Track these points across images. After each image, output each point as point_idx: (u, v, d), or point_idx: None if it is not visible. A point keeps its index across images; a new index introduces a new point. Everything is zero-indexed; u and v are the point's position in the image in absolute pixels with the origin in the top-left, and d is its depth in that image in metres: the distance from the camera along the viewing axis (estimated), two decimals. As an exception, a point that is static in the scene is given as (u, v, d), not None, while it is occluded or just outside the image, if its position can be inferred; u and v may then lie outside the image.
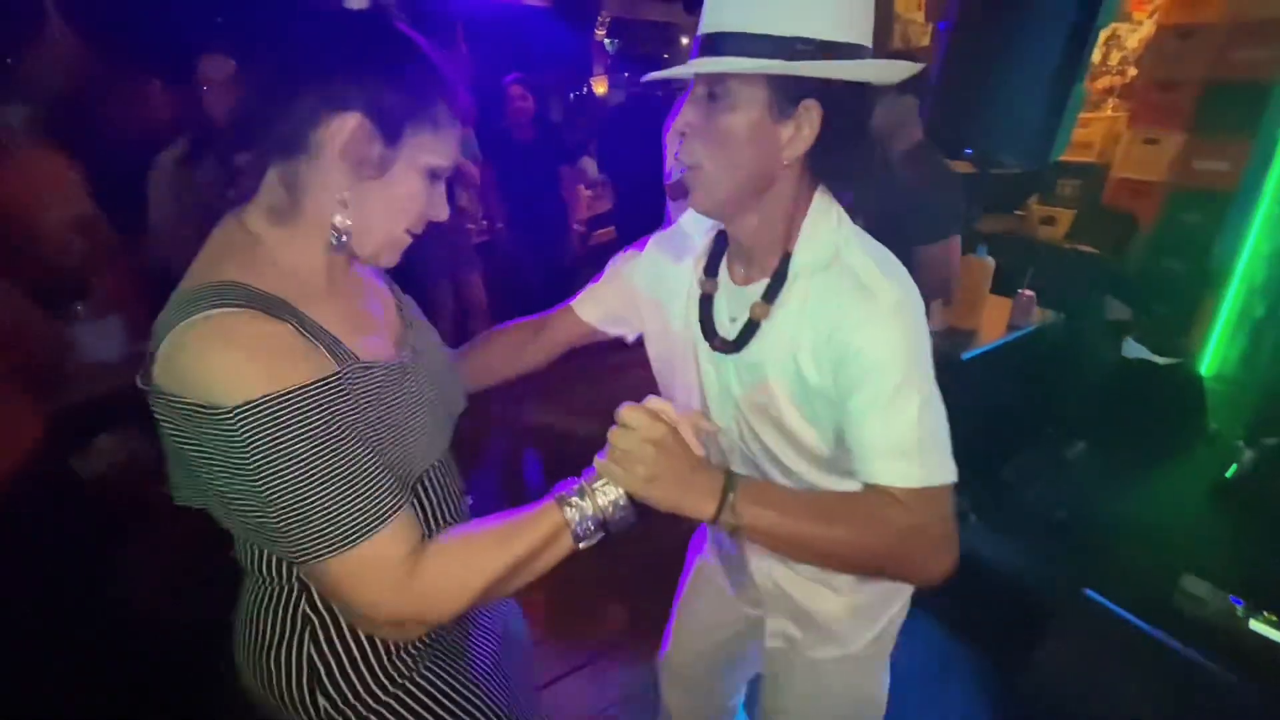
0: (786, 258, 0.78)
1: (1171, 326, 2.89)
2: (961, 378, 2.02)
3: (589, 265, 4.71)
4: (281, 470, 0.59)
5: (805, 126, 0.71)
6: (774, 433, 0.83)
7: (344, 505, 0.60)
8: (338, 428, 0.62)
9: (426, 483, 0.78)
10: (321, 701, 0.73)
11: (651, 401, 0.71)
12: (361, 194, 0.67)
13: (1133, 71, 3.87)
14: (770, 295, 0.78)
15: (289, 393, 0.59)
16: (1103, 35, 4.08)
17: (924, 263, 1.78)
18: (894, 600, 0.97)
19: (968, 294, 2.07)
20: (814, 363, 0.75)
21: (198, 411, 0.59)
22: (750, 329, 0.80)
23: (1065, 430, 2.35)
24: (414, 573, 0.64)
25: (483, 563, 0.67)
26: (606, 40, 6.67)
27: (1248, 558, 1.81)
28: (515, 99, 3.31)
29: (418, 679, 0.78)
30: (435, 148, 0.69)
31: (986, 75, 1.72)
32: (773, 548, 0.73)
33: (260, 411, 0.58)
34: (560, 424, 3.22)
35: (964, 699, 1.72)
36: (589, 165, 4.32)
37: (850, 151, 0.76)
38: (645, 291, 0.96)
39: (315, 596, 0.73)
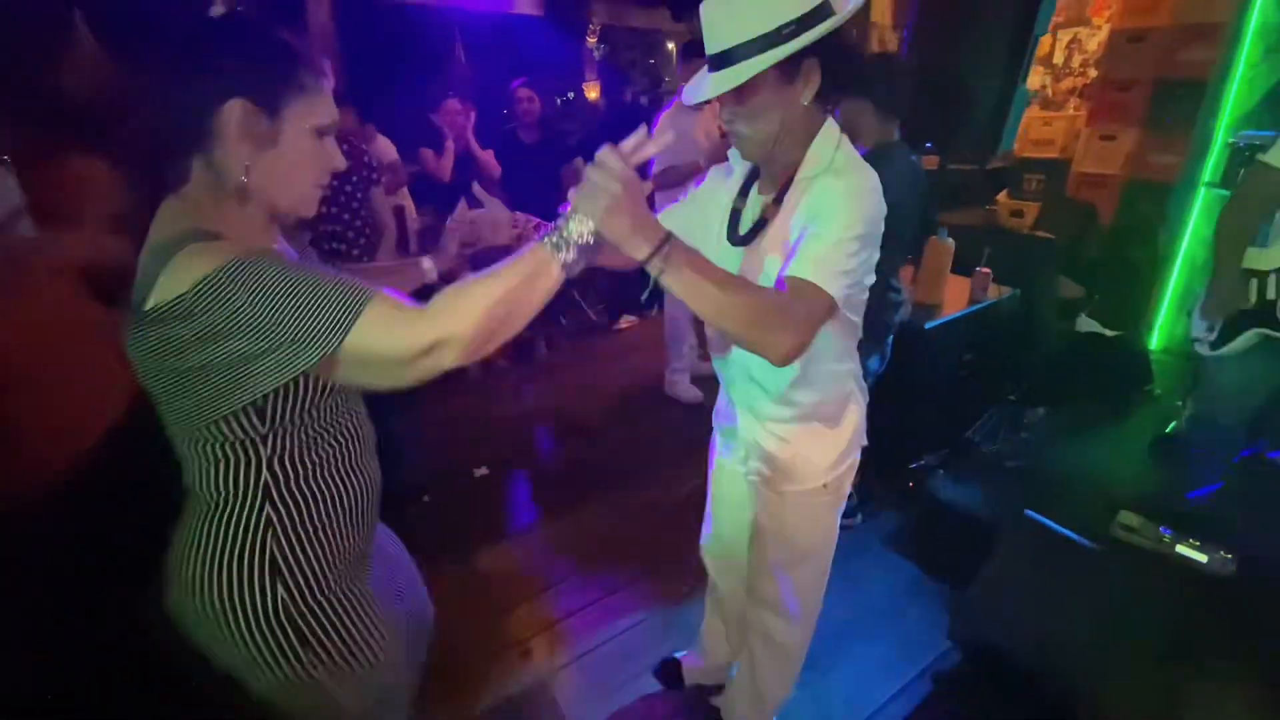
0: (796, 169, 1.05)
1: (1125, 305, 3.14)
2: (926, 344, 2.28)
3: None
4: (273, 287, 0.72)
5: (810, 77, 0.98)
6: None
7: (329, 292, 0.74)
8: (301, 267, 0.77)
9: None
10: (281, 593, 0.85)
11: (627, 142, 0.85)
12: (267, 162, 0.81)
13: (1093, 72, 4.13)
14: (779, 199, 1.06)
15: (268, 251, 0.78)
16: (1065, 38, 4.39)
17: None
18: (835, 458, 1.25)
19: (931, 273, 2.32)
20: (796, 235, 0.99)
21: (198, 297, 0.71)
22: (760, 225, 1.09)
23: (1025, 395, 2.60)
24: (424, 310, 0.77)
25: (483, 289, 0.79)
26: (596, 47, 6.89)
27: (1180, 498, 2.05)
28: (523, 100, 3.53)
29: (347, 582, 0.93)
30: (311, 109, 0.83)
31: (940, 79, 1.97)
32: (682, 295, 0.87)
33: (246, 261, 0.73)
34: (567, 401, 3.48)
35: (924, 615, 1.96)
36: (582, 168, 4.55)
37: (846, 75, 1.03)
38: (686, 224, 1.19)
39: (275, 498, 0.85)
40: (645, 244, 0.83)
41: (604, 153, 0.81)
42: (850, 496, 2.25)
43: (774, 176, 1.10)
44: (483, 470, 2.82)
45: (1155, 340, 3.30)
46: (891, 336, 2.10)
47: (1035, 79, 4.48)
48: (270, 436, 0.84)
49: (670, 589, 1.60)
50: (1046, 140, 4.22)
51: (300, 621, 0.87)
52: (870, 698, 1.74)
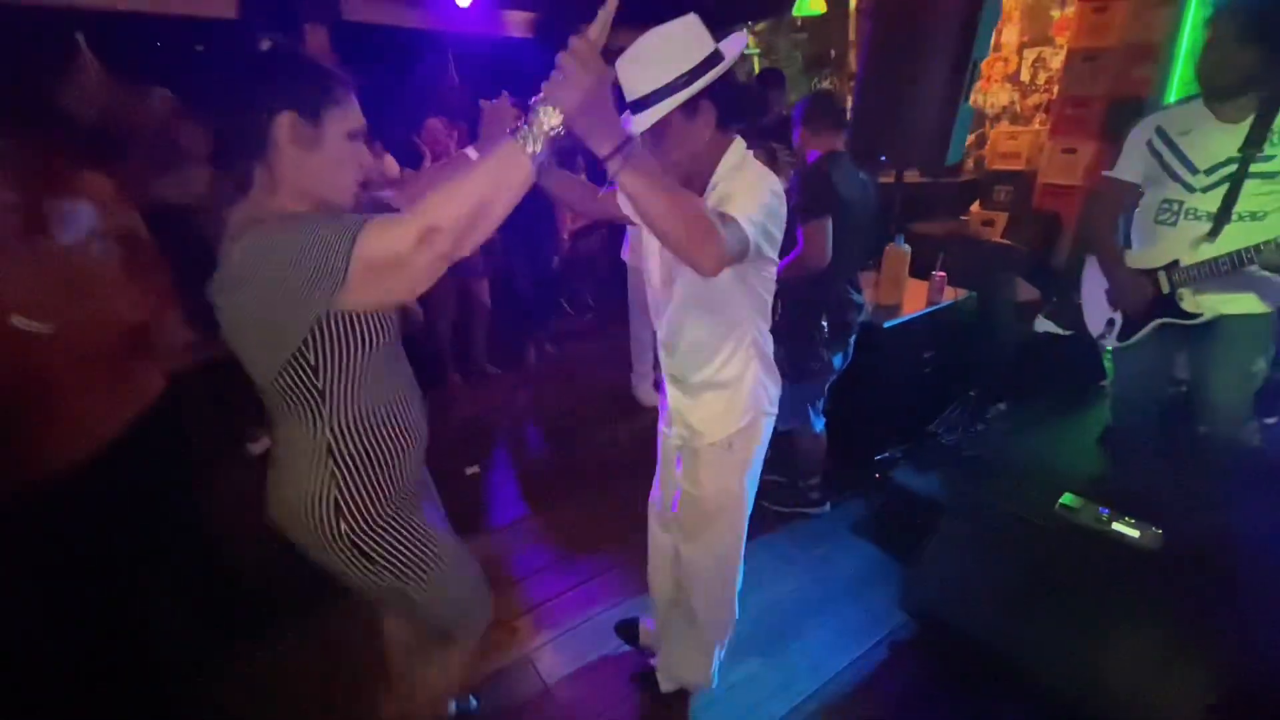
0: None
1: (1080, 307, 3.31)
2: (887, 343, 2.44)
3: (574, 273, 5.12)
4: (286, 237, 0.92)
5: (706, 115, 1.22)
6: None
7: (327, 231, 0.92)
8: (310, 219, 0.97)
9: None
10: (344, 527, 1.10)
11: (593, 29, 0.90)
12: (313, 162, 1.01)
13: (1057, 89, 4.35)
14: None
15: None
16: (1030, 57, 4.61)
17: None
18: (736, 415, 1.43)
19: (890, 276, 2.50)
20: None
21: (242, 261, 0.94)
22: None
23: (985, 390, 2.76)
24: (411, 211, 0.91)
25: (461, 184, 0.91)
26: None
27: (1121, 480, 2.20)
28: (432, 130, 3.63)
29: (400, 515, 1.17)
30: (345, 116, 1.02)
31: (891, 97, 2.15)
32: (631, 193, 0.96)
33: (269, 224, 0.96)
34: (552, 404, 3.64)
35: (884, 592, 2.10)
36: (502, 103, 4.68)
37: (736, 109, 1.27)
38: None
39: (336, 456, 1.08)
40: (608, 142, 0.92)
41: (578, 41, 0.87)
42: (815, 488, 2.41)
43: (695, 190, 1.28)
44: (474, 469, 2.97)
45: (1111, 339, 3.46)
46: (854, 336, 2.26)
47: (1004, 95, 4.72)
48: (327, 395, 1.05)
49: (641, 576, 1.76)
50: (1014, 153, 4.45)
51: (364, 546, 1.12)
52: (830, 664, 1.88)
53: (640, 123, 1.17)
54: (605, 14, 0.90)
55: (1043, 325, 3.06)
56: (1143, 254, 1.98)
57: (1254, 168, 1.72)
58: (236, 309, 0.99)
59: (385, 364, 1.11)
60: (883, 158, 2.30)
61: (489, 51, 5.17)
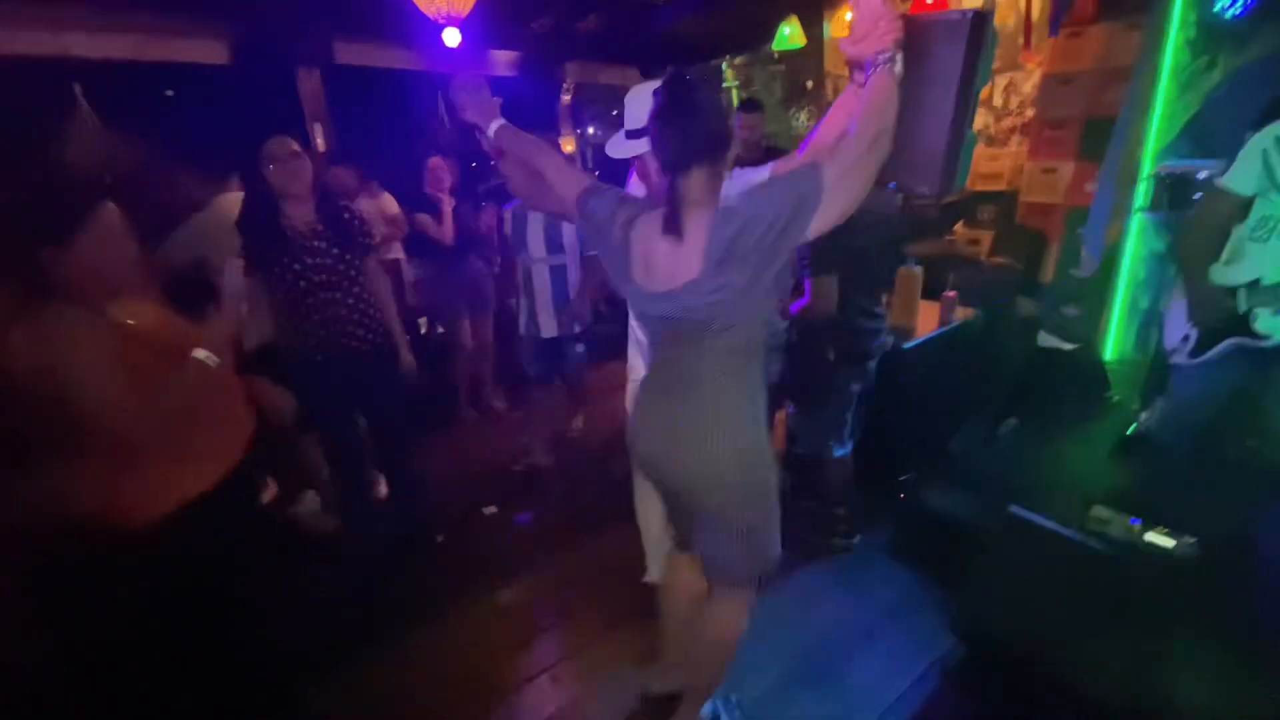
0: None
1: (1079, 321, 3.42)
2: (906, 365, 2.47)
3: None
4: None
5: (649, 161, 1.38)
6: None
7: None
8: None
9: None
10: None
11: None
12: None
13: (1030, 112, 4.53)
14: None
15: None
16: (1002, 82, 4.80)
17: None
18: None
19: (903, 298, 2.54)
20: None
21: None
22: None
23: (998, 407, 2.80)
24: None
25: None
26: (567, 99, 7.22)
27: (1145, 491, 2.24)
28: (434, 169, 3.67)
29: None
30: None
31: (898, 127, 2.20)
32: (504, 148, 1.50)
33: None
34: (570, 438, 3.57)
35: (928, 614, 2.09)
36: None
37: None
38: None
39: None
40: (485, 121, 1.53)
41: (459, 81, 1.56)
42: (844, 519, 2.40)
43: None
44: (491, 509, 2.91)
45: (1110, 351, 3.56)
46: (872, 361, 2.28)
47: (978, 119, 4.89)
48: None
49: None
50: (994, 174, 4.61)
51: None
52: (885, 694, 1.85)
53: (635, 148, 1.44)
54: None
55: (1046, 340, 3.14)
56: (1227, 268, 1.90)
57: None
58: None
59: None
60: (892, 184, 2.36)
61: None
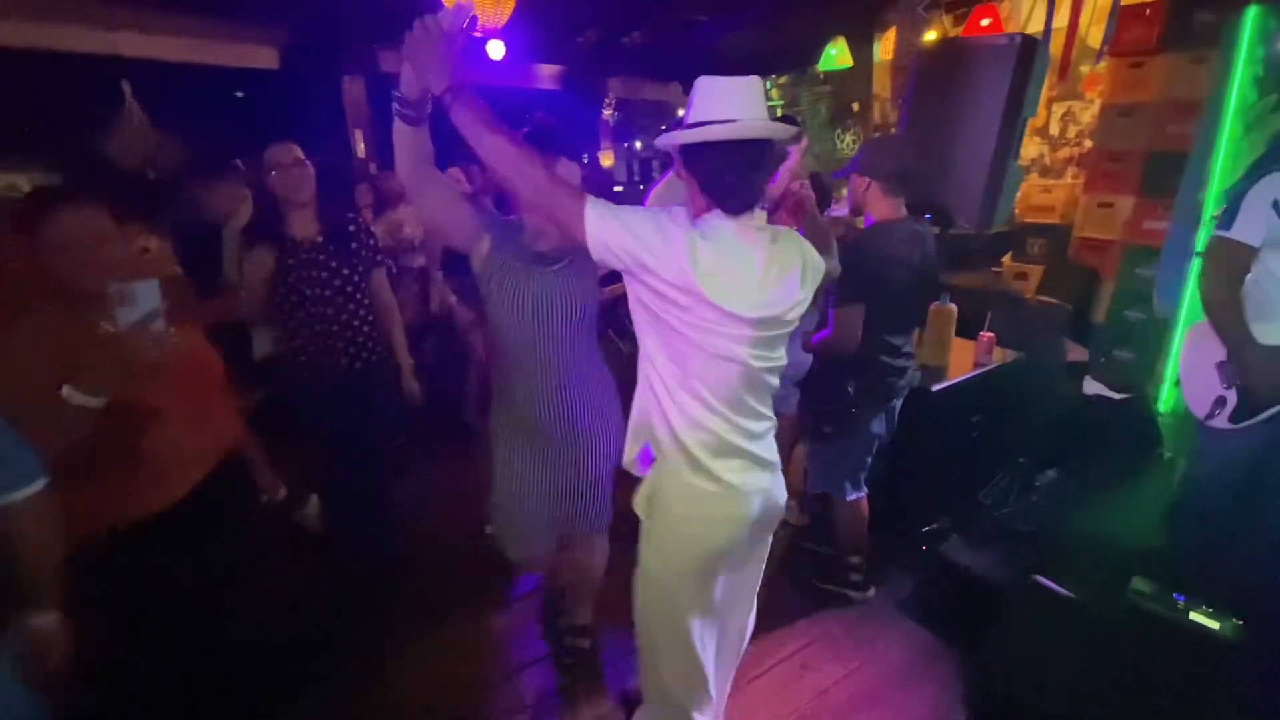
0: None
1: (1132, 367, 3.18)
2: (934, 407, 2.32)
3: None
4: None
5: (683, 174, 1.25)
6: None
7: None
8: None
9: None
10: None
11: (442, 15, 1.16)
12: None
13: (1089, 143, 4.31)
14: None
15: None
16: (1059, 111, 4.59)
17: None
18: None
19: (935, 336, 2.39)
20: None
21: None
22: None
23: (1035, 457, 2.62)
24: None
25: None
26: (610, 115, 7.28)
27: (1193, 564, 2.05)
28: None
29: None
30: None
31: (935, 154, 2.09)
32: (461, 125, 1.16)
33: None
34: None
35: (940, 682, 1.94)
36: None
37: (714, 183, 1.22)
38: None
39: None
40: (439, 83, 1.17)
41: (421, 19, 1.17)
42: (857, 568, 2.26)
43: None
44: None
45: (1163, 402, 3.32)
46: (897, 401, 2.14)
47: (1033, 148, 4.68)
48: None
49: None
50: (1047, 206, 4.39)
51: None
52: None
53: (669, 138, 1.23)
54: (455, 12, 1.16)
55: (1092, 386, 2.94)
56: (1265, 327, 1.78)
57: None
58: None
59: None
60: (928, 216, 2.23)
61: (519, 103, 5.28)
